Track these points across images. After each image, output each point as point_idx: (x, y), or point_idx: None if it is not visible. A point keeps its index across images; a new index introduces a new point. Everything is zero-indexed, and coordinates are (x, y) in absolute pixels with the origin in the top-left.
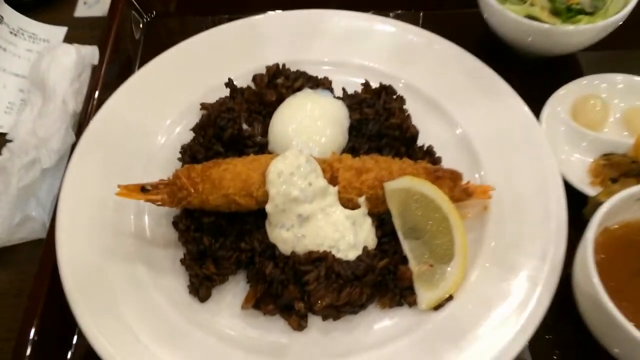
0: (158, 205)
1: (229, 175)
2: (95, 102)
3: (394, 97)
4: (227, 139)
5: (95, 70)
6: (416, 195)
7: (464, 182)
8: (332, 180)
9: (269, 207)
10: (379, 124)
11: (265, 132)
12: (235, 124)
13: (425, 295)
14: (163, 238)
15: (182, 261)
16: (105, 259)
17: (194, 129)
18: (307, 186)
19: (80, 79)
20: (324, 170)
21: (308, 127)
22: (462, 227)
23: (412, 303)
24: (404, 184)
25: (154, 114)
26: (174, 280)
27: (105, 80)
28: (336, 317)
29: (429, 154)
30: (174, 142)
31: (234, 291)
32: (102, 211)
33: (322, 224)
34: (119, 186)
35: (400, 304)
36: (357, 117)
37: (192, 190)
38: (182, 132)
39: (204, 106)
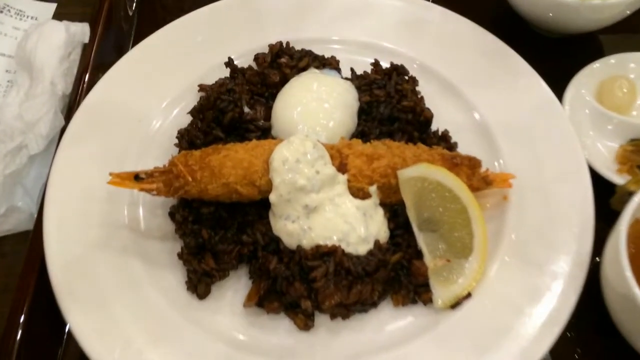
0: (153, 195)
1: (230, 163)
2: (86, 84)
3: (406, 78)
4: (227, 123)
5: (86, 49)
6: (432, 184)
7: (482, 169)
8: (341, 168)
9: (272, 197)
10: (391, 106)
11: (268, 116)
12: (236, 107)
13: (442, 292)
14: (159, 230)
15: (179, 255)
16: (96, 253)
17: (191, 112)
18: (314, 174)
19: (69, 58)
20: (332, 157)
21: (315, 110)
22: (482, 219)
23: (427, 301)
24: (419, 171)
25: (148, 96)
26: (171, 276)
27: (97, 60)
28: (345, 316)
29: (444, 140)
30: (171, 127)
31: (235, 288)
32: (93, 201)
33: (331, 215)
34: (111, 174)
35: (414, 302)
36: (367, 99)
37: (190, 179)
38: (179, 116)
39: (202, 88)
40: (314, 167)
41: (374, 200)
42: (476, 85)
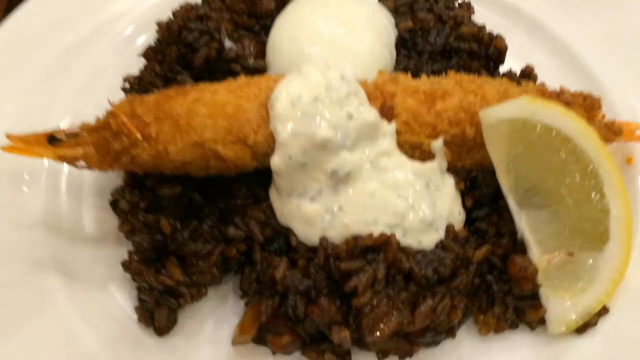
0: (80, 167)
1: (204, 109)
2: None
3: (458, 2)
4: (199, 63)
5: None
6: (540, 131)
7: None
8: (386, 113)
9: (277, 161)
10: (445, 35)
11: (261, 53)
12: (213, 41)
13: (560, 307)
14: (93, 229)
15: (125, 265)
16: None
17: (144, 54)
18: (344, 120)
19: None
20: (370, 98)
21: (334, 37)
22: (623, 186)
23: (536, 322)
24: (518, 110)
25: (78, 18)
26: (108, 299)
27: None
28: (406, 355)
29: (527, 78)
30: (111, 65)
31: (217, 314)
32: None
33: (374, 186)
34: (8, 136)
35: (514, 327)
36: (409, 25)
37: (139, 137)
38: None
39: (161, 26)
40: (344, 109)
41: (439, 162)
42: (563, 10)
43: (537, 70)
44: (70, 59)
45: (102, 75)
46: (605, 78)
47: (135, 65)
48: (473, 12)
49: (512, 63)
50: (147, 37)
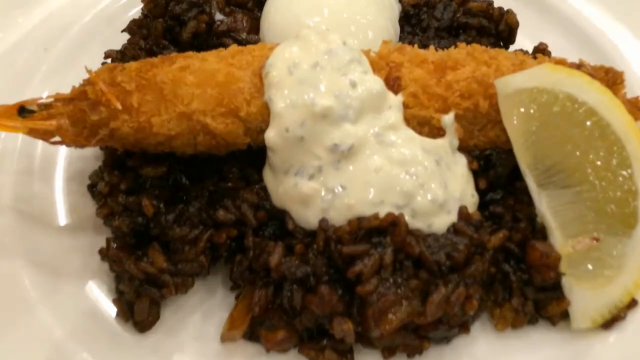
0: (53, 143)
1: (192, 78)
2: None
3: None
4: (188, 37)
5: None
6: (562, 102)
7: None
8: (392, 84)
9: (271, 135)
10: (453, 10)
11: (255, 29)
12: (202, 14)
13: (586, 299)
14: (69, 215)
15: (102, 252)
16: None
17: (128, 29)
18: (347, 88)
19: None
20: (374, 69)
21: (333, 9)
22: None
23: (558, 317)
24: (538, 78)
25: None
26: (85, 292)
27: None
28: (416, 352)
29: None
30: (94, 41)
31: (205, 307)
32: None
33: (379, 162)
34: None
35: (534, 321)
36: (413, 0)
37: (119, 106)
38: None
39: (147, 3)
40: (347, 77)
41: (450, 139)
42: None
43: (550, 50)
44: (50, 36)
45: (83, 53)
46: (622, 58)
47: (120, 43)
48: None
49: (523, 42)
50: (133, 15)
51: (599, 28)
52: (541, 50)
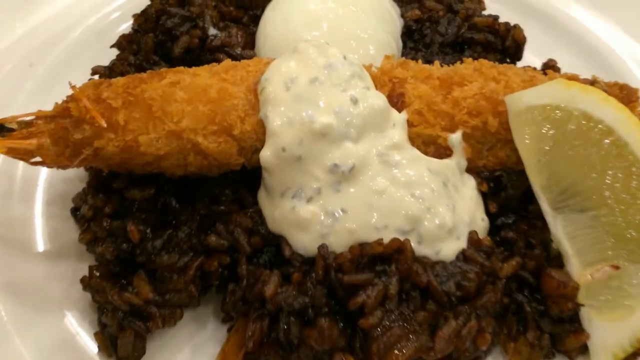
0: (34, 164)
1: (183, 94)
2: None
3: None
4: (180, 53)
5: None
6: (576, 120)
7: None
8: (395, 100)
9: (267, 155)
10: (457, 25)
11: (250, 43)
12: (195, 29)
13: (606, 332)
14: (50, 241)
15: (84, 281)
16: None
17: (117, 44)
18: (348, 105)
19: None
20: (376, 85)
21: (333, 23)
22: None
23: (577, 351)
24: (551, 94)
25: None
26: (64, 325)
27: None
28: None
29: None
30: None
31: (196, 341)
32: None
33: (383, 184)
34: None
35: (550, 356)
36: (416, 15)
37: (104, 124)
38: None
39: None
40: (347, 93)
41: (457, 159)
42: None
43: (559, 67)
44: (35, 52)
45: (71, 69)
46: (632, 74)
47: (109, 59)
48: (484, 8)
49: (530, 59)
50: (123, 30)
51: (607, 44)
52: (550, 67)
